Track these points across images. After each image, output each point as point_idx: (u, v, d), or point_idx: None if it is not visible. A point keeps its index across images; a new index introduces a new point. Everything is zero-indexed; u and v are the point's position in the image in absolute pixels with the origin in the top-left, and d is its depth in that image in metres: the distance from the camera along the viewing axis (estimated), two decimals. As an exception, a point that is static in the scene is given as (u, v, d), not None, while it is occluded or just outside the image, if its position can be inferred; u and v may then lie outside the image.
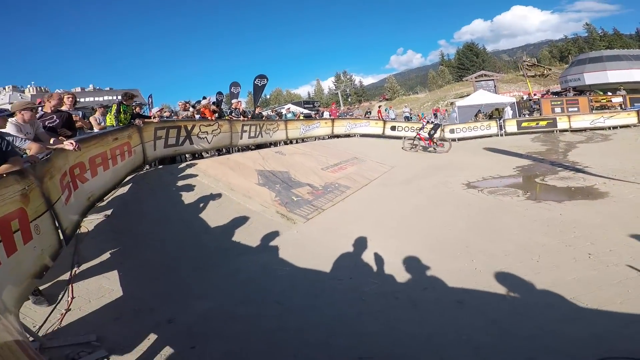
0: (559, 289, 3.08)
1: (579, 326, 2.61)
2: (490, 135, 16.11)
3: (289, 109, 17.25)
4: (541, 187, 7.21)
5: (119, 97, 7.00)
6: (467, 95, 27.93)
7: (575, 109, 18.68)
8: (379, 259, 4.12)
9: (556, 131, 15.74)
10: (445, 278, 3.51)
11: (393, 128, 16.65)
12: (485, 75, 35.40)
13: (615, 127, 15.41)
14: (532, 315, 2.79)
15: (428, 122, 14.90)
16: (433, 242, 4.57)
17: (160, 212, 5.11)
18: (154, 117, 7.29)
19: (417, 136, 13.56)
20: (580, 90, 27.30)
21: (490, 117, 19.26)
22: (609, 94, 21.71)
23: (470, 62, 59.10)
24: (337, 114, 18.15)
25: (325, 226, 5.64)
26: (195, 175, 6.79)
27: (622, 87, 23.08)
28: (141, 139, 6.49)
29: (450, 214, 5.78)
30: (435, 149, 13.22)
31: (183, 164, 7.49)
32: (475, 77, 35.27)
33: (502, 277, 3.41)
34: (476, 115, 19.48)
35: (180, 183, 6.35)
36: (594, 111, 17.98)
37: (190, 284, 3.50)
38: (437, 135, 13.59)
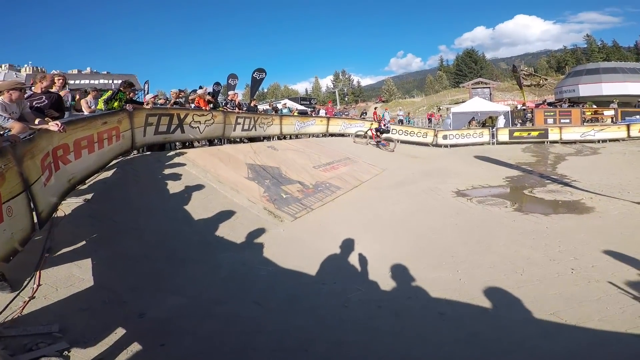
0: (540, 304, 3.05)
1: (556, 343, 2.59)
2: (482, 143, 16.22)
3: (285, 104, 17.07)
4: (529, 199, 7.25)
5: (115, 82, 6.85)
6: (463, 102, 28.17)
7: (568, 120, 19.01)
8: (364, 264, 4.05)
9: (547, 142, 15.84)
10: (429, 288, 3.46)
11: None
12: (482, 82, 35.86)
13: (605, 141, 15.58)
14: (512, 330, 2.76)
15: (384, 124, 15.15)
16: (419, 250, 4.53)
17: (142, 201, 4.93)
18: (147, 104, 7.09)
19: (369, 131, 14.50)
20: (575, 102, 27.65)
21: (484, 124, 19.42)
22: (594, 107, 22.05)
23: (469, 68, 59.62)
24: (333, 112, 18.02)
25: (313, 226, 5.55)
26: (183, 165, 6.62)
27: (615, 100, 23.39)
28: (131, 124, 6.30)
29: (438, 221, 5.76)
30: (381, 146, 14.03)
31: (172, 152, 7.29)
32: (472, 84, 35.68)
33: (486, 290, 3.37)
34: (470, 123, 19.63)
35: (167, 171, 6.17)
36: (585, 123, 18.26)
37: (166, 277, 3.36)
38: (383, 135, 14.31)
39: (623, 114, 19.86)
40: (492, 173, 10.09)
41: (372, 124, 15.14)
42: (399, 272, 3.85)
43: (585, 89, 27.96)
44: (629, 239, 4.43)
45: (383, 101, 55.81)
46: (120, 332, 2.27)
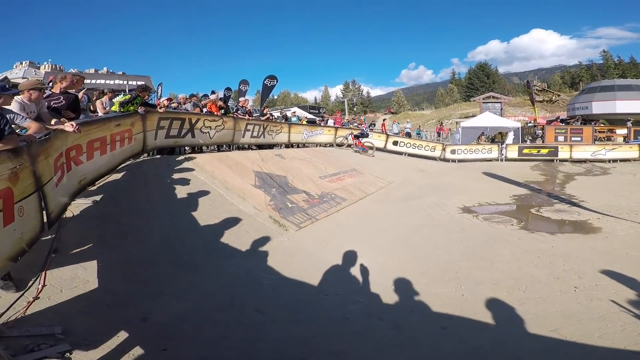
0: (541, 321, 3.05)
1: (555, 358, 2.61)
2: (491, 160, 16.15)
3: (294, 112, 17.27)
4: (535, 218, 7.18)
5: (130, 82, 7.05)
6: (473, 116, 28.10)
7: (579, 138, 18.73)
8: (367, 276, 4.05)
9: (556, 160, 15.70)
10: (431, 302, 3.44)
11: (395, 143, 16.65)
12: (494, 97, 35.72)
13: (615, 160, 15.37)
14: (512, 346, 2.77)
15: (364, 130, 15.64)
16: (423, 264, 4.50)
17: (150, 204, 5.03)
18: (161, 107, 7.25)
19: (350, 136, 14.56)
20: (587, 120, 27.10)
21: (493, 140, 19.34)
22: (607, 125, 21.52)
23: (480, 82, 59.39)
24: (342, 122, 18.14)
25: (317, 237, 5.57)
26: (192, 170, 6.73)
27: (631, 119, 22.85)
28: (144, 127, 6.44)
29: (443, 237, 5.72)
30: (360, 150, 14.30)
31: (181, 157, 7.43)
32: (483, 98, 35.56)
33: (488, 306, 3.35)
34: (479, 138, 19.55)
35: (175, 176, 6.28)
36: (596, 142, 18.03)
37: (170, 282, 3.41)
38: (363, 140, 14.63)
39: (636, 133, 19.51)
40: (499, 190, 10.01)
41: (352, 130, 15.41)
42: (402, 285, 3.84)
43: (599, 107, 27.08)
44: (634, 260, 4.40)
45: (392, 112, 56.01)
46: (122, 335, 2.31)
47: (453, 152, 16.54)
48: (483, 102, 33.75)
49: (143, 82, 13.09)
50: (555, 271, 4.19)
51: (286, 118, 14.47)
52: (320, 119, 21.10)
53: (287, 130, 12.40)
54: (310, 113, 27.31)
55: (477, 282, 3.92)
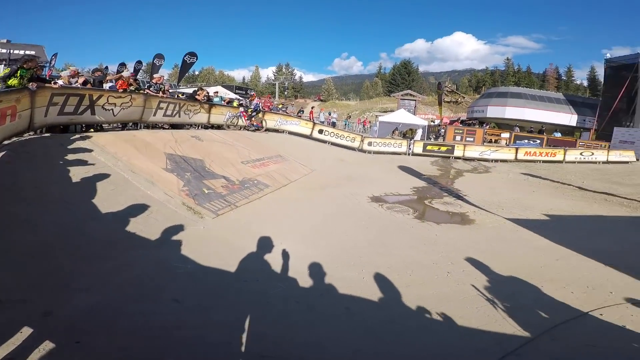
0: (421, 302, 3.79)
1: (427, 335, 3.32)
2: (400, 153, 18.15)
3: (217, 92, 16.45)
4: (428, 209, 8.51)
5: (15, 52, 5.99)
6: (392, 111, 30.85)
7: (472, 139, 22.29)
8: (285, 263, 4.47)
9: (452, 157, 18.38)
10: (338, 285, 4.04)
11: (320, 131, 17.51)
12: (410, 94, 39.56)
13: (497, 161, 18.59)
14: (399, 324, 3.42)
15: (256, 105, 15.51)
16: (334, 250, 5.14)
17: (39, 189, 4.52)
18: (54, 83, 6.34)
19: (241, 114, 14.26)
20: (483, 122, 32.00)
21: (404, 135, 21.74)
22: (495, 128, 26.21)
23: (402, 79, 64.48)
24: (270, 106, 18.06)
25: (236, 224, 5.75)
26: (90, 150, 6.15)
27: (517, 125, 27.76)
28: (32, 103, 5.64)
29: (353, 224, 6.53)
30: (253, 128, 14.52)
31: (77, 135, 6.67)
32: (402, 95, 39.21)
33: (383, 288, 4.09)
34: (393, 132, 21.77)
35: (70, 157, 5.67)
36: (485, 143, 21.68)
37: (70, 275, 3.26)
38: (254, 116, 14.71)
39: (516, 138, 23.99)
40: (404, 182, 11.51)
41: (241, 105, 14.89)
42: (315, 270, 4.37)
43: (493, 111, 32.20)
44: (493, 250, 5.61)
45: (321, 100, 57.33)
46: (26, 331, 2.26)
47: (370, 144, 18.12)
48: (401, 99, 37.24)
49: (33, 52, 10.98)
50: (435, 257, 5.12)
51: (209, 98, 13.80)
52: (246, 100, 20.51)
53: (207, 110, 11.91)
54: (236, 93, 26.27)
55: (376, 266, 4.69)
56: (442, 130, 22.92)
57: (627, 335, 3.33)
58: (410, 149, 18.37)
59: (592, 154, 20.54)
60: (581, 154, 20.22)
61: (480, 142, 21.59)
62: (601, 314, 3.75)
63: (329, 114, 24.11)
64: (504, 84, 53.71)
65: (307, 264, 4.49)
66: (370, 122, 31.05)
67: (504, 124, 30.63)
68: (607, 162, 20.27)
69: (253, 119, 14.45)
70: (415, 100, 37.12)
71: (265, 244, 4.98)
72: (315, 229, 6.05)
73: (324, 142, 17.06)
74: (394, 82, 64.07)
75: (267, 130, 15.26)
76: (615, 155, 20.77)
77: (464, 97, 51.26)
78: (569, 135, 28.02)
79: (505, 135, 23.81)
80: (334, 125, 22.25)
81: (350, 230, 6.15)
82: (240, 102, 15.29)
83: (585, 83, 67.38)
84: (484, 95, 37.55)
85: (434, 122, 28.44)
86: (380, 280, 4.28)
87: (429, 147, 18.77)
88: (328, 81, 70.30)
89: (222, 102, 14.37)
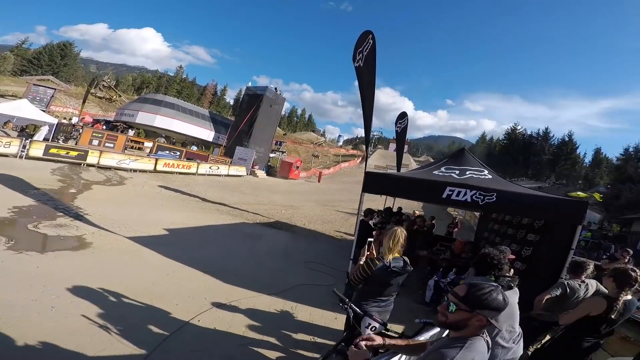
0: (26, 341, 3.42)
1: None
2: (8, 155, 14.69)
3: None
4: (31, 235, 6.82)
5: None
6: (13, 97, 24.25)
7: (112, 145, 21.20)
8: None
9: (84, 165, 16.66)
10: None
11: None
12: (52, 81, 32.94)
13: (136, 170, 18.40)
14: None
15: None
16: None
17: None
18: None
19: None
20: (130, 127, 31.58)
21: (23, 130, 18.04)
22: (140, 136, 27.47)
23: (51, 60, 51.68)
24: None
25: None
26: None
27: (164, 135, 29.56)
28: None
29: None
30: None
31: None
32: (38, 79, 31.74)
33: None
34: (5, 124, 17.40)
35: None
36: (126, 151, 21.47)
37: None
38: None
39: (159, 148, 26.19)
40: (4, 199, 8.81)
41: None
42: None
43: (143, 117, 32.19)
44: (107, 273, 5.50)
45: None
46: None
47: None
48: (34, 84, 30.15)
49: None
50: (34, 294, 4.46)
51: None
52: None
53: None
54: None
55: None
56: (80, 131, 20.95)
57: (219, 335, 4.16)
58: (24, 150, 15.29)
59: (219, 168, 25.98)
60: (210, 167, 24.95)
61: (121, 149, 21.55)
62: (199, 320, 4.43)
63: None
64: (167, 90, 56.83)
65: None
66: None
67: (151, 132, 32.24)
68: (228, 175, 26.32)
69: None
70: (55, 89, 31.44)
71: None
72: None
73: None
74: (36, 63, 50.65)
75: None
76: (234, 170, 27.65)
77: (120, 96, 48.71)
78: (205, 150, 34.77)
79: (149, 144, 25.33)
80: None
81: None
82: None
83: (232, 102, 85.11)
84: (139, 99, 37.45)
85: (71, 119, 25.34)
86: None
87: (52, 150, 16.22)
88: None
89: None
